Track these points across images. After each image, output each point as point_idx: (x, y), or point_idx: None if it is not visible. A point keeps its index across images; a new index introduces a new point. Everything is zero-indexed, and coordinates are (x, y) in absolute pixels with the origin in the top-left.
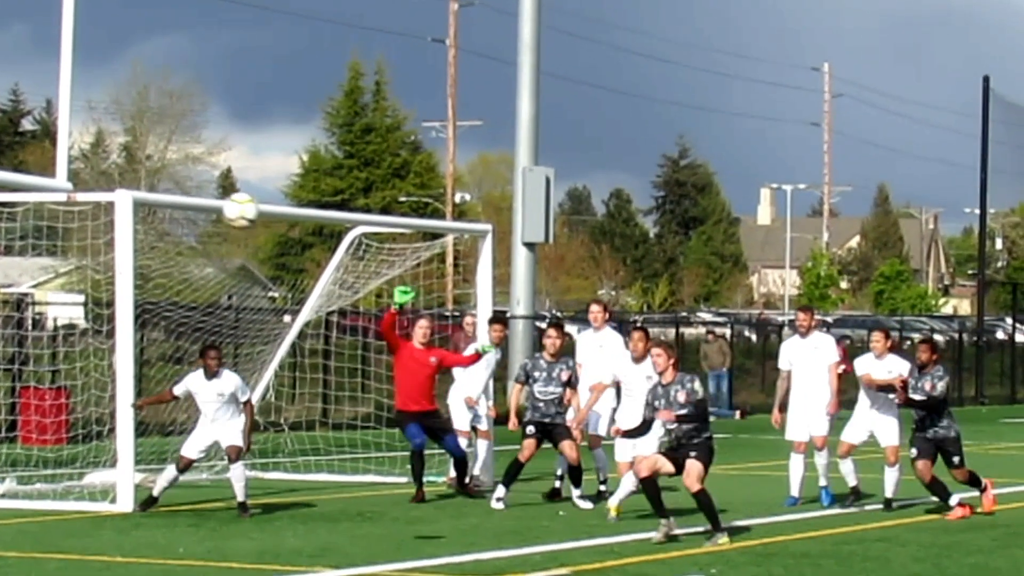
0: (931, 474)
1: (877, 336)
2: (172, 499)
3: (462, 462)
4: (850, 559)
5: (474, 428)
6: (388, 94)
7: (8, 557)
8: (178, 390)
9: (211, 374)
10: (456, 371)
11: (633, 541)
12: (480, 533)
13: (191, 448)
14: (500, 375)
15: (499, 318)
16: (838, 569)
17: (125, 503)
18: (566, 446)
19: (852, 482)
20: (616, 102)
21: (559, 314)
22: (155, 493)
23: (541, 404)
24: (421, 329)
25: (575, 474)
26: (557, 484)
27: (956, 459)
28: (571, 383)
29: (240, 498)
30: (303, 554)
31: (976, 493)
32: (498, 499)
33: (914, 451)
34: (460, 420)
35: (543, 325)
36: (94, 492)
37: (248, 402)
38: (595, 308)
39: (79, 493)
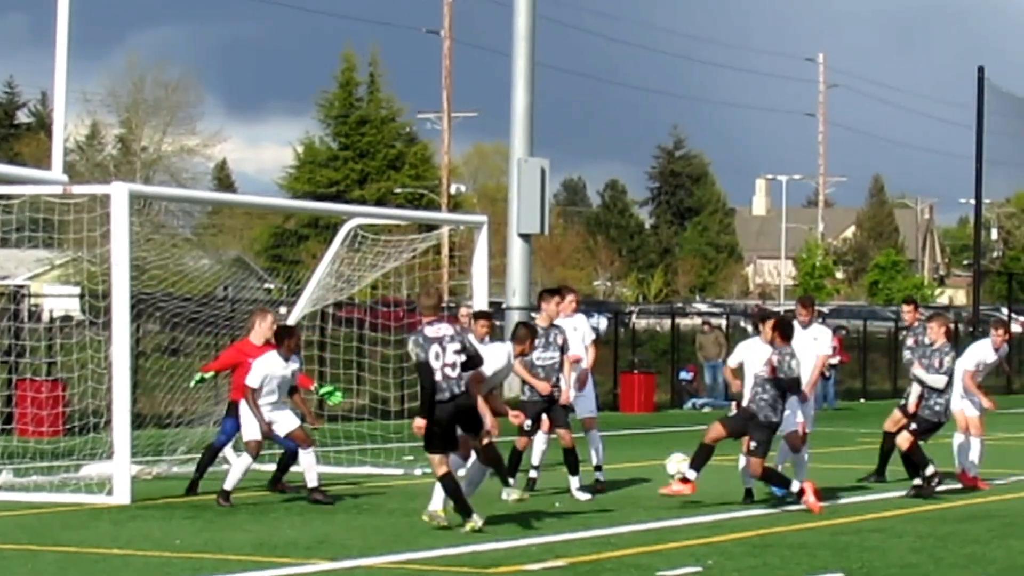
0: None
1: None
2: (168, 491)
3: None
4: (847, 550)
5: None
6: (383, 85)
7: (4, 550)
8: (254, 381)
9: (287, 357)
10: None
11: (630, 532)
12: None
13: (255, 431)
14: None
15: (484, 313)
16: (834, 560)
17: (121, 495)
18: (562, 433)
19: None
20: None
21: None
22: (228, 487)
23: (542, 372)
24: (263, 327)
25: (571, 461)
26: (533, 474)
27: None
28: (564, 348)
29: (312, 483)
30: (299, 546)
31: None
32: (508, 491)
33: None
34: None
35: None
36: (90, 484)
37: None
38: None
39: (75, 485)
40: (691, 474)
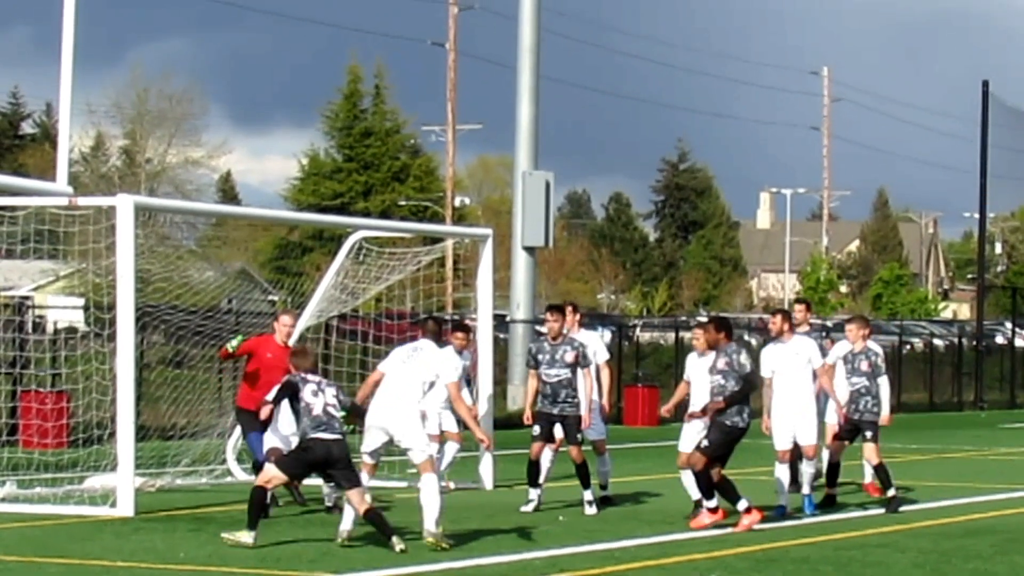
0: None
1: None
2: (171, 503)
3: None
4: (850, 565)
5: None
6: (387, 98)
7: (8, 561)
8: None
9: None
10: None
11: (634, 546)
12: (480, 538)
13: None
14: (500, 378)
15: (462, 326)
16: (837, 574)
17: (125, 507)
18: (572, 450)
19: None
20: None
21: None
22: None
23: (549, 388)
24: (285, 327)
25: (583, 475)
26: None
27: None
28: (580, 364)
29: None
30: (303, 559)
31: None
32: (528, 501)
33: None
34: (431, 423)
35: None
36: (95, 496)
37: None
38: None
39: (79, 497)
40: (711, 503)
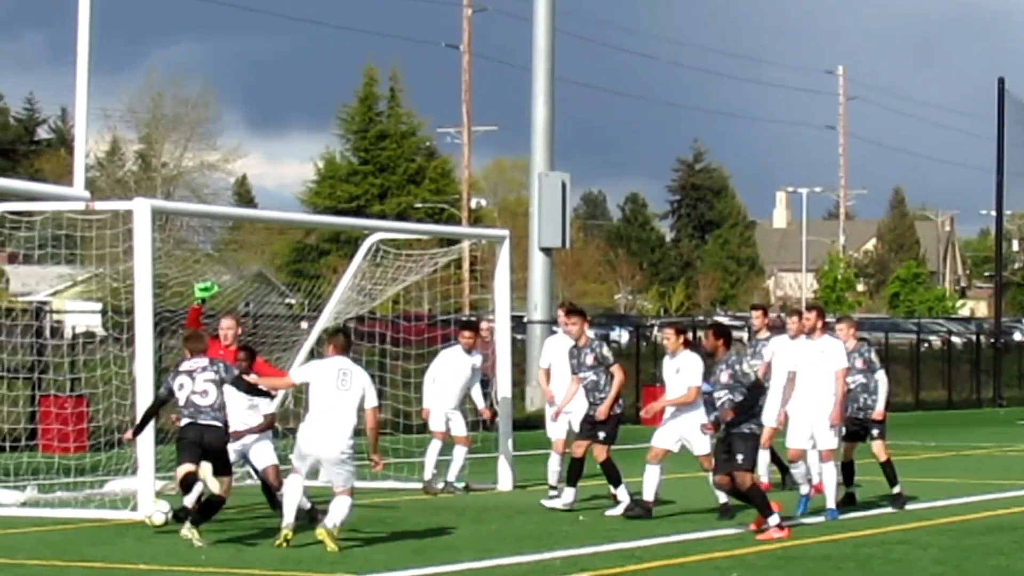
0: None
1: (668, 333)
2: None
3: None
4: (871, 562)
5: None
6: (403, 100)
7: (30, 565)
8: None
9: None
10: (436, 374)
11: (654, 545)
12: (499, 539)
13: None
14: (517, 380)
15: (469, 325)
16: (859, 572)
17: (146, 511)
18: (595, 447)
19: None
20: (631, 106)
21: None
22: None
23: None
24: (226, 330)
25: (609, 473)
26: (553, 494)
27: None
28: (601, 363)
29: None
30: (324, 560)
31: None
32: (564, 503)
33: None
34: (435, 422)
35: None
36: (115, 500)
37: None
38: (559, 312)
39: (100, 501)
40: (774, 519)
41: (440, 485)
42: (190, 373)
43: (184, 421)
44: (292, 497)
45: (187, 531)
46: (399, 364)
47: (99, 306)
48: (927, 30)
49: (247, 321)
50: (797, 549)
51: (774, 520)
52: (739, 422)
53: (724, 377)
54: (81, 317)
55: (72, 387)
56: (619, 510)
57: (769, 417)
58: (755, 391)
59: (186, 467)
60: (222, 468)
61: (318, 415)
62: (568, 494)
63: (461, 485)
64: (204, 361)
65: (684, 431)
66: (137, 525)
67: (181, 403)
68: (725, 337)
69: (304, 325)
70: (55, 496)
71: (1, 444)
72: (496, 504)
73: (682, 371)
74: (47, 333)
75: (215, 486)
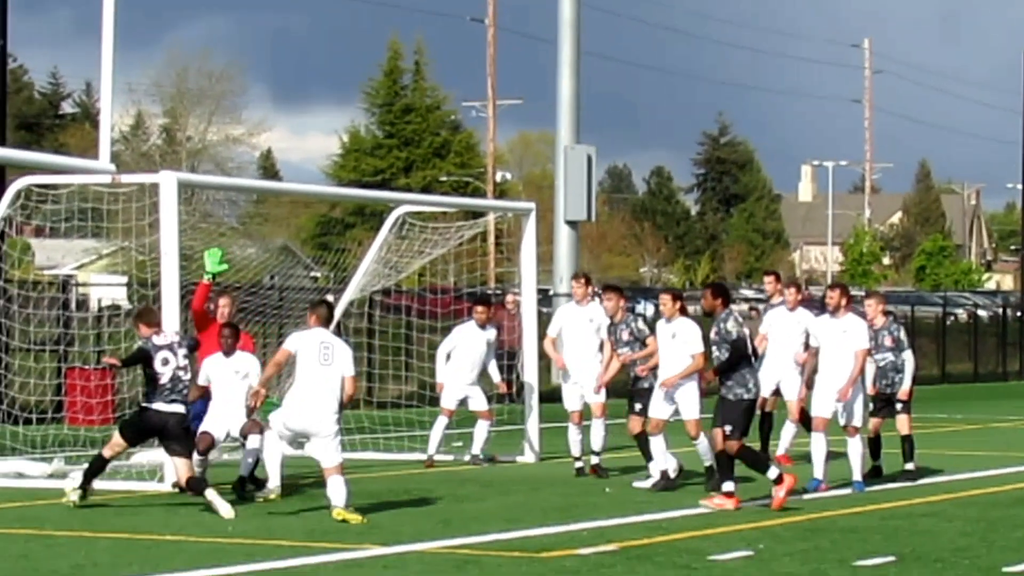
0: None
1: (664, 298)
2: (218, 478)
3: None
4: (897, 534)
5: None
6: (428, 74)
7: (58, 536)
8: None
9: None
10: (450, 350)
11: (681, 517)
12: (526, 510)
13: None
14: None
15: (482, 299)
16: (885, 544)
17: (173, 482)
18: (631, 422)
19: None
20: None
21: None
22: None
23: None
24: (222, 308)
25: (643, 448)
26: (578, 464)
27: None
28: (635, 338)
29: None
30: (351, 531)
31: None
32: (647, 477)
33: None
34: (447, 398)
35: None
36: (141, 471)
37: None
38: (574, 283)
39: (127, 473)
40: (728, 486)
41: (466, 458)
42: (170, 347)
43: (155, 404)
44: (275, 458)
45: (70, 491)
46: (425, 336)
47: (124, 279)
48: (953, 3)
49: (273, 293)
50: (824, 521)
51: (728, 487)
52: (722, 381)
53: (712, 334)
54: (107, 290)
55: (98, 360)
56: (648, 483)
57: (790, 392)
58: (736, 350)
59: (121, 443)
60: (182, 450)
61: (305, 391)
62: (671, 461)
63: (483, 460)
64: (173, 335)
65: (676, 395)
66: (164, 496)
67: (166, 379)
68: (724, 296)
69: (330, 298)
70: (82, 468)
71: (28, 416)
72: (522, 476)
73: (679, 337)
74: (73, 306)
75: (183, 475)
